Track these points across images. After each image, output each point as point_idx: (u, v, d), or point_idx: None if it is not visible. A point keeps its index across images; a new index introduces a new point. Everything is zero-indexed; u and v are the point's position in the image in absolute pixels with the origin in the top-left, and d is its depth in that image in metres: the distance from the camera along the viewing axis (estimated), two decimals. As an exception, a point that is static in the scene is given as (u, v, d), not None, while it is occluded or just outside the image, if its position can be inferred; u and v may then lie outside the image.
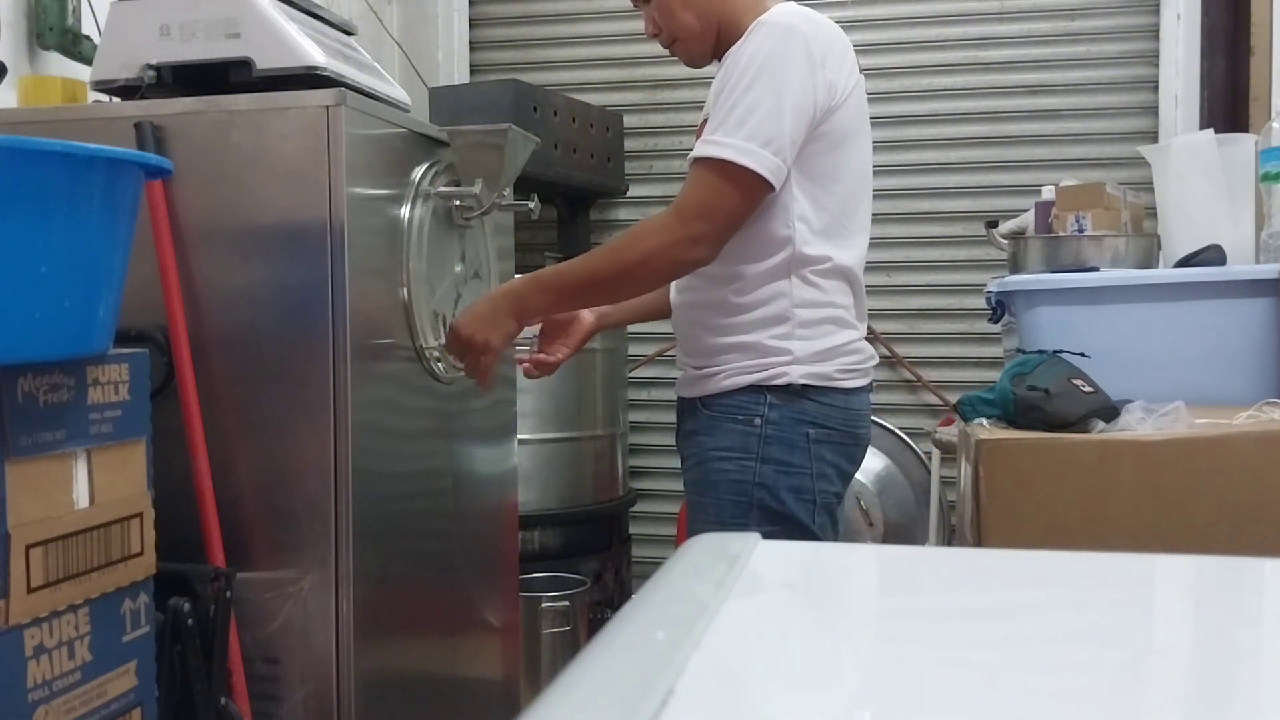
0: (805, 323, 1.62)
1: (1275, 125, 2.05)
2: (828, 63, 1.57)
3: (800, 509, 1.62)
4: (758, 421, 1.61)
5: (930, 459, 3.16)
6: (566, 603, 2.79)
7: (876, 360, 1.76)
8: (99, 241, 1.21)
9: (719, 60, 1.72)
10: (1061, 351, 1.71)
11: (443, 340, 1.84)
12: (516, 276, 1.72)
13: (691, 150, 1.59)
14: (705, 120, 1.68)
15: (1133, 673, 0.58)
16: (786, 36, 1.56)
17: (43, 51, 2.10)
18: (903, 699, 0.54)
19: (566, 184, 3.26)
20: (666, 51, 1.79)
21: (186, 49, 1.69)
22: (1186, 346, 1.86)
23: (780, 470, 1.61)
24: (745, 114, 1.53)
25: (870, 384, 1.73)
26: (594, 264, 1.63)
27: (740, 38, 1.61)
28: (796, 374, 1.61)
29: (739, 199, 1.56)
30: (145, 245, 1.55)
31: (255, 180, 1.60)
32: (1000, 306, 2.07)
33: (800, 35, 1.56)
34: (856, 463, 1.73)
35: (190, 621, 1.47)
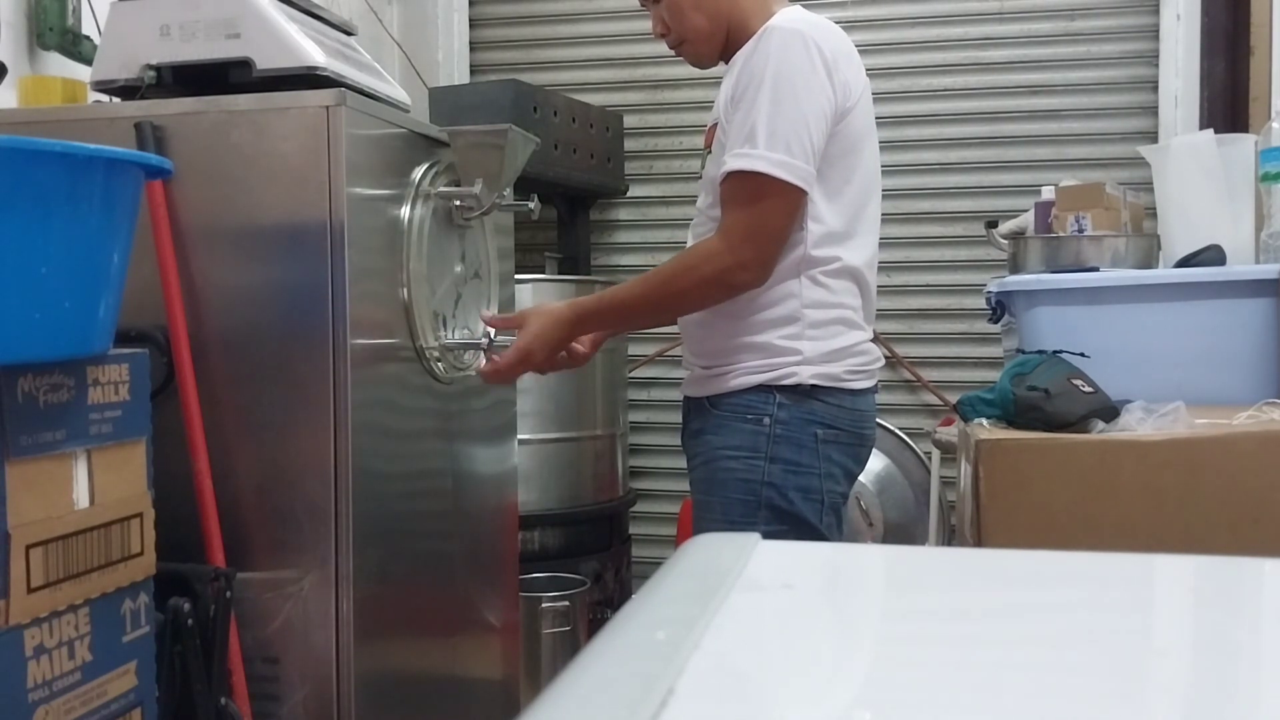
0: (815, 323, 1.63)
1: (1275, 125, 2.05)
2: (840, 65, 1.59)
3: (808, 509, 1.63)
4: (767, 421, 1.62)
5: (930, 459, 3.16)
6: (566, 603, 2.79)
7: (883, 362, 1.77)
8: (99, 241, 1.21)
9: (725, 62, 1.72)
10: (1061, 351, 1.71)
11: (443, 340, 1.84)
12: (572, 300, 1.74)
13: (694, 151, 1.60)
14: (715, 125, 1.68)
15: (1133, 673, 0.58)
16: (797, 42, 1.56)
17: (43, 51, 2.10)
18: (903, 699, 0.54)
19: (566, 184, 3.26)
20: (667, 51, 1.79)
21: (186, 49, 1.69)
22: (1186, 346, 1.86)
23: (789, 470, 1.62)
24: (771, 123, 1.54)
25: (876, 385, 1.73)
26: (648, 294, 1.66)
27: (748, 41, 1.61)
28: (806, 374, 1.62)
29: (781, 214, 1.57)
30: (145, 245, 1.55)
31: (255, 180, 1.60)
32: (1000, 306, 2.07)
33: (811, 40, 1.57)
34: (862, 463, 1.74)
35: (190, 621, 1.47)
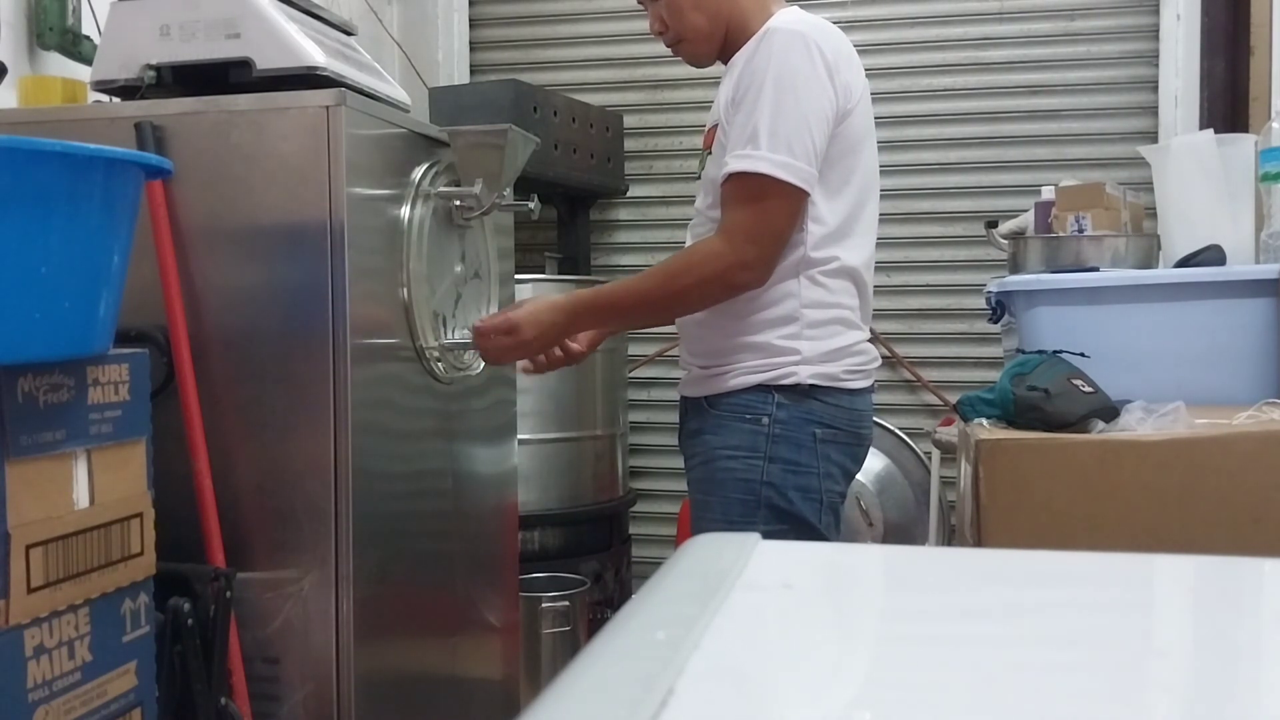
0: (814, 323, 1.63)
1: (1275, 125, 2.05)
2: (841, 67, 1.59)
3: (807, 508, 1.63)
4: (765, 421, 1.62)
5: (930, 459, 3.16)
6: (566, 603, 2.79)
7: (880, 362, 1.77)
8: (99, 241, 1.21)
9: (723, 62, 1.72)
10: (1061, 351, 1.71)
11: (443, 340, 1.84)
12: (570, 293, 1.73)
13: (694, 151, 1.60)
14: (714, 126, 1.68)
15: (1133, 673, 0.58)
16: (799, 44, 1.56)
17: (43, 51, 2.10)
18: (903, 699, 0.54)
19: (566, 184, 3.26)
20: (666, 51, 1.79)
21: (186, 49, 1.69)
22: (1186, 346, 1.86)
23: (788, 469, 1.62)
24: (773, 125, 1.54)
25: (873, 385, 1.74)
26: (648, 291, 1.66)
27: (747, 41, 1.61)
28: (805, 374, 1.62)
29: (783, 215, 1.57)
30: (145, 245, 1.55)
31: (255, 180, 1.60)
32: (1000, 306, 2.07)
33: (812, 42, 1.57)
34: (860, 463, 1.74)
35: (190, 621, 1.47)
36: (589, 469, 3.13)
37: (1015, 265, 2.25)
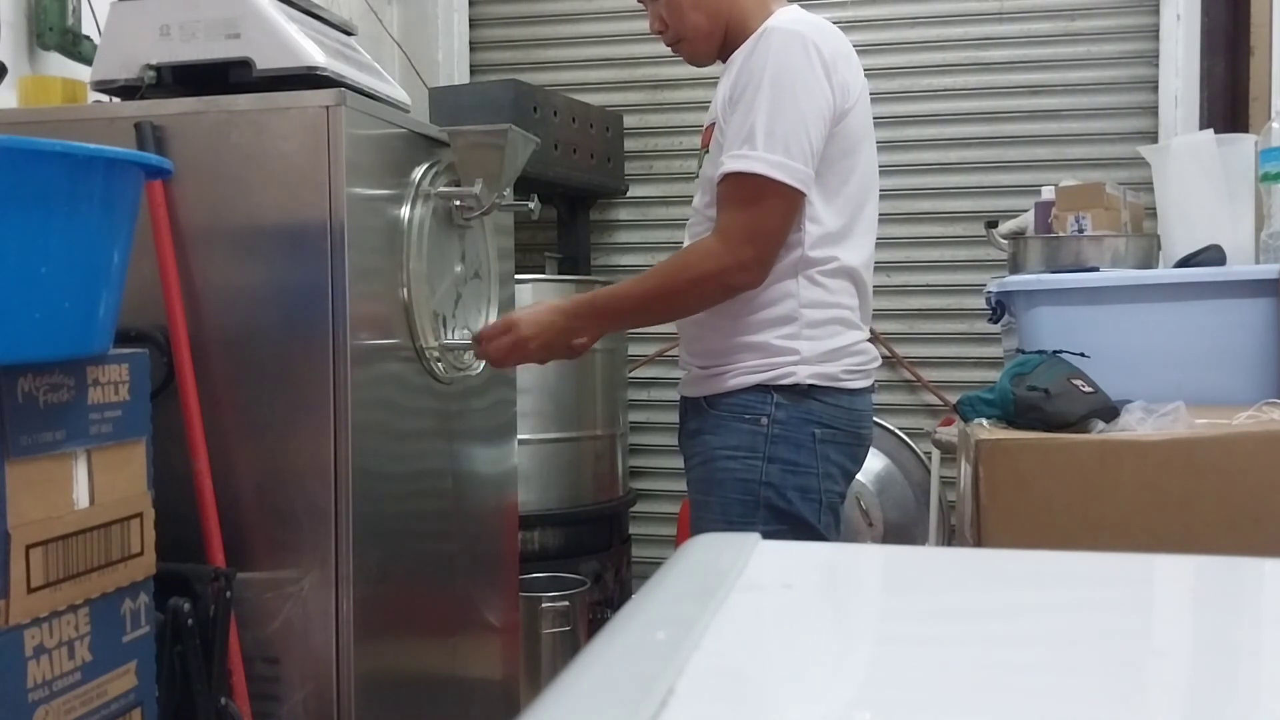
0: (812, 323, 1.63)
1: (1275, 125, 2.05)
2: (838, 66, 1.59)
3: (806, 508, 1.63)
4: (764, 421, 1.62)
5: (930, 459, 3.16)
6: (566, 603, 2.79)
7: (879, 362, 1.77)
8: (99, 242, 1.21)
9: (722, 61, 1.72)
10: (1061, 351, 1.71)
11: (443, 340, 1.84)
12: (569, 297, 1.73)
13: (694, 151, 1.60)
14: (712, 124, 1.68)
15: (1133, 673, 0.58)
16: (796, 43, 1.56)
17: (43, 51, 2.10)
18: (903, 699, 0.54)
19: (566, 184, 3.26)
20: (667, 51, 1.79)
21: (186, 49, 1.69)
22: (1186, 346, 1.86)
23: (787, 470, 1.62)
24: (770, 125, 1.54)
25: (873, 385, 1.74)
26: (645, 293, 1.66)
27: (746, 40, 1.61)
28: (804, 374, 1.62)
29: (779, 216, 1.57)
30: (145, 245, 1.55)
31: (255, 180, 1.60)
32: (1000, 306, 2.07)
33: (810, 41, 1.57)
34: (859, 463, 1.74)
35: (190, 621, 1.47)
36: (589, 469, 3.13)
37: (1015, 265, 2.25)
